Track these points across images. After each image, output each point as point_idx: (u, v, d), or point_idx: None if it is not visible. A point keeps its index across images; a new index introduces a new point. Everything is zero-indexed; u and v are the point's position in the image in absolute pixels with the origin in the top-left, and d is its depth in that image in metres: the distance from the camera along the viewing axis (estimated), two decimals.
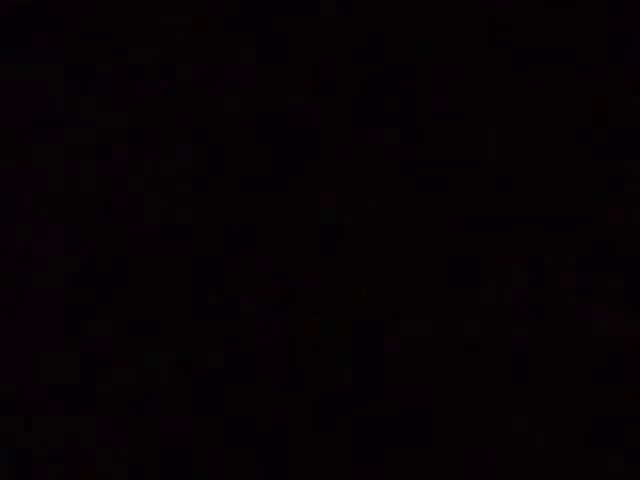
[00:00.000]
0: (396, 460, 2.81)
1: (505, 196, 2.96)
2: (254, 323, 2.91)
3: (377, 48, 3.00)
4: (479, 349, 2.87)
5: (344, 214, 2.97)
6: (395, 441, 2.83)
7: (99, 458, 2.80)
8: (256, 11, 2.99)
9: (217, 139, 3.00)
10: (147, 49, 2.98)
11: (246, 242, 2.96)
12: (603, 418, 2.78)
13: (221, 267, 2.94)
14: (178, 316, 2.91)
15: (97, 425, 2.83)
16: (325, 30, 3.00)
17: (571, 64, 2.97)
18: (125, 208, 2.96)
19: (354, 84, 3.00)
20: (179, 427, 2.83)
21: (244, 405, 2.86)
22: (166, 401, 2.86)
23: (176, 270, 2.93)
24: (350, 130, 2.99)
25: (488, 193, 2.96)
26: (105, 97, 2.98)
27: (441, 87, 3.00)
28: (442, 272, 2.95)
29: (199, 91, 3.00)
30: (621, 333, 2.84)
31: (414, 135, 2.99)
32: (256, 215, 2.97)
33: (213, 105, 3.00)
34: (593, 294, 2.89)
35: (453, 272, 2.94)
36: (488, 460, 2.80)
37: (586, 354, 2.83)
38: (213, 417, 2.85)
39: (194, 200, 2.97)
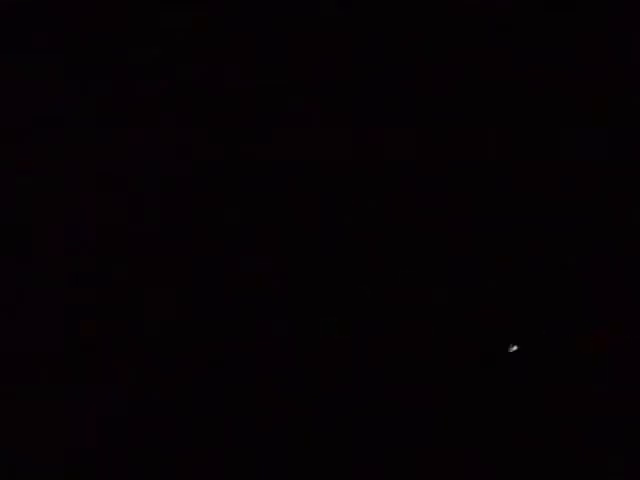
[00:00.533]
0: (396, 460, 2.81)
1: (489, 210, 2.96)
2: (254, 323, 2.91)
3: (377, 48, 3.00)
4: (473, 359, 2.87)
5: (344, 214, 2.97)
6: (395, 441, 2.83)
7: (99, 458, 2.80)
8: (256, 11, 2.99)
9: (217, 139, 3.00)
10: (147, 49, 2.98)
11: (246, 242, 2.96)
12: (590, 432, 2.78)
13: (221, 267, 2.94)
14: (178, 315, 2.91)
15: (97, 424, 2.83)
16: (325, 30, 3.00)
17: (571, 64, 2.97)
18: (125, 207, 2.96)
19: (354, 84, 3.00)
20: (179, 426, 2.83)
21: (244, 405, 2.86)
22: (165, 400, 2.86)
23: (175, 270, 2.93)
24: (350, 130, 2.99)
25: (486, 195, 2.97)
26: (105, 97, 2.98)
27: (441, 87, 2.99)
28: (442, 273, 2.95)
29: (199, 91, 3.00)
30: (605, 349, 2.83)
31: (414, 135, 2.99)
32: (256, 215, 2.97)
33: (213, 105, 3.00)
34: (577, 310, 2.88)
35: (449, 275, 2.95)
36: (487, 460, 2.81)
37: (570, 370, 2.83)
38: (213, 417, 2.85)
39: (194, 199, 2.97)
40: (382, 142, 2.99)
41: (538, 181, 2.94)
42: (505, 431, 2.81)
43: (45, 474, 2.76)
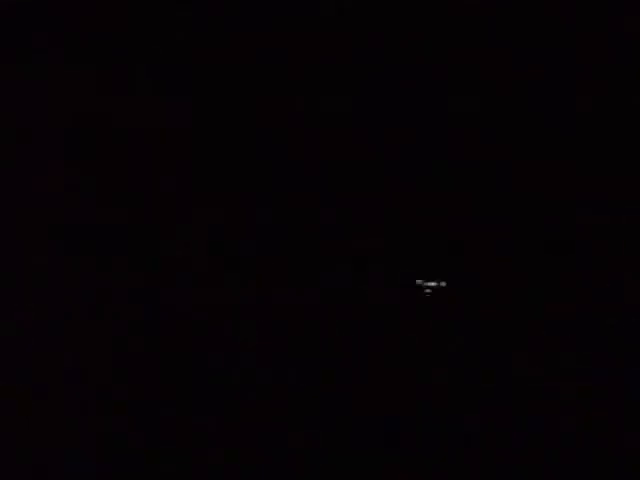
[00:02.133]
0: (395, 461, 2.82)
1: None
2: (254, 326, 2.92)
3: (377, 48, 3.00)
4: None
5: (344, 216, 2.97)
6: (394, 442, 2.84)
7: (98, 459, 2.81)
8: (256, 11, 2.99)
9: (217, 138, 3.00)
10: (147, 49, 2.98)
11: (246, 240, 2.97)
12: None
13: (220, 266, 2.95)
14: (177, 315, 2.91)
15: (96, 425, 2.83)
16: (325, 30, 3.00)
17: (571, 64, 2.97)
18: (123, 206, 2.96)
19: (354, 84, 3.00)
20: (178, 426, 2.84)
21: (243, 405, 2.87)
22: (165, 400, 2.87)
23: (174, 270, 2.94)
24: (350, 130, 2.99)
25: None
26: (105, 97, 2.98)
27: (441, 87, 3.00)
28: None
29: (199, 91, 3.01)
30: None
31: (414, 135, 3.00)
32: (255, 214, 2.98)
33: (213, 105, 3.01)
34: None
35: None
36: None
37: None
38: (213, 417, 2.85)
39: (193, 199, 2.97)
40: (383, 142, 2.99)
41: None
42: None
43: (44, 472, 2.77)
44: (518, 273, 2.95)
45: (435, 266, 2.98)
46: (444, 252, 2.97)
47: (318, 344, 2.93)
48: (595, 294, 2.92)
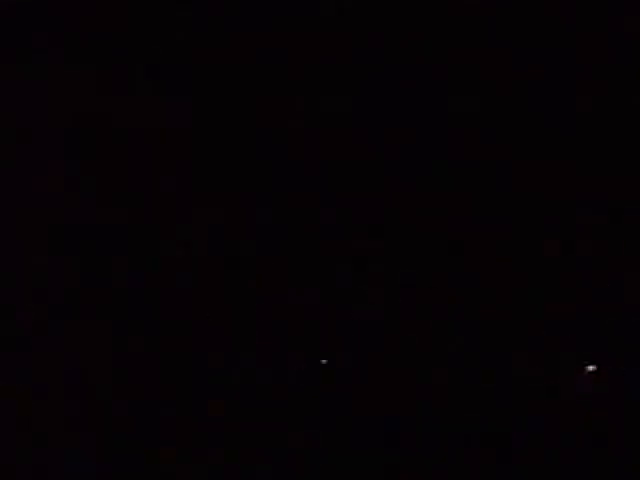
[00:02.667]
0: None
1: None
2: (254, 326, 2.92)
3: (377, 48, 3.00)
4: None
5: (344, 216, 2.97)
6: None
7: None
8: (256, 11, 2.99)
9: (217, 138, 2.99)
10: (147, 49, 2.98)
11: (246, 240, 2.96)
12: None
13: (220, 266, 2.94)
14: (177, 315, 2.91)
15: (96, 425, 2.83)
16: (325, 30, 2.99)
17: (571, 64, 2.97)
18: (123, 206, 2.96)
19: (354, 84, 3.00)
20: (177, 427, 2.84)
21: (243, 404, 2.87)
22: (165, 400, 2.86)
23: (174, 270, 2.93)
24: (350, 130, 2.99)
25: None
26: (105, 97, 2.98)
27: (441, 87, 2.99)
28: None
29: (199, 91, 3.00)
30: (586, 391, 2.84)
31: (414, 135, 2.99)
32: (255, 214, 2.97)
33: (213, 105, 3.00)
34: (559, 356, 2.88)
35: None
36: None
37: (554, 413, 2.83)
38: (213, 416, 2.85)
39: (193, 199, 2.97)
40: (383, 142, 2.99)
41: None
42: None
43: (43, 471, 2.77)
44: (518, 273, 2.95)
45: (435, 266, 2.97)
46: (444, 252, 2.97)
47: (318, 344, 2.92)
48: (595, 294, 2.92)
